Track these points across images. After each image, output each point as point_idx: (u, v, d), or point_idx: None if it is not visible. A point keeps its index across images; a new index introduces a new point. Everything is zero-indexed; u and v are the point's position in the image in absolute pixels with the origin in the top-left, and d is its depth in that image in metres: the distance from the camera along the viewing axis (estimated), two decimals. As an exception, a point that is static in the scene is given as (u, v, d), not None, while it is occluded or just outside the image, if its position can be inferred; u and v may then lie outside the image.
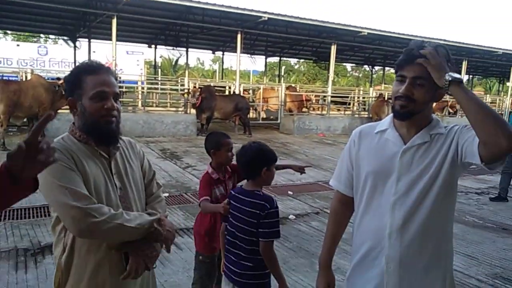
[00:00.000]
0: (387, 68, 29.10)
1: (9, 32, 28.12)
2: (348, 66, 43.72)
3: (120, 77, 16.77)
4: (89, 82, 1.56)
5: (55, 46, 27.72)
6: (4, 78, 12.09)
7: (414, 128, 1.57)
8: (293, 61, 41.79)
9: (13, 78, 13.01)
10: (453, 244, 1.65)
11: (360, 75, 48.01)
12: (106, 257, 1.57)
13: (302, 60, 27.42)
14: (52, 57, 24.09)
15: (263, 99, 16.23)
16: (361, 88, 24.68)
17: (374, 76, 39.27)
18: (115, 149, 1.66)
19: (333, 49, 16.29)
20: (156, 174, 1.93)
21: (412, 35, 15.92)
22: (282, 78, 27.99)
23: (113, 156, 1.65)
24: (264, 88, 17.15)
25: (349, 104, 20.06)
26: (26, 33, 26.02)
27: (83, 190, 1.47)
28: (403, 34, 16.20)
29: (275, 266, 2.08)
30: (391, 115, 1.65)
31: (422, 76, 1.47)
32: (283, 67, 32.30)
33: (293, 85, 21.29)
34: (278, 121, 15.50)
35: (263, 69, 27.20)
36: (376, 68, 31.44)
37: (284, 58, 29.21)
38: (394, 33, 16.09)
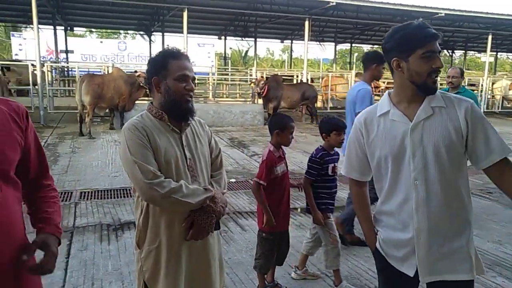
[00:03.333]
0: (470, 52, 26.93)
1: (93, 30, 30.49)
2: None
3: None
4: (174, 65, 1.81)
5: (133, 41, 29.56)
6: (90, 72, 13.17)
7: (414, 102, 1.65)
8: (366, 47, 40.34)
9: (97, 72, 14.14)
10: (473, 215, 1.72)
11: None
12: (175, 218, 1.80)
13: (375, 46, 26.42)
14: (131, 52, 25.75)
15: (329, 87, 15.88)
16: (440, 75, 23.20)
17: (457, 61, 36.61)
18: (186, 125, 1.88)
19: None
20: (224, 161, 2.11)
21: (496, 14, 14.64)
22: (354, 65, 27.18)
23: (183, 131, 1.87)
24: (331, 75, 16.79)
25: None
26: (108, 30, 28.03)
27: (150, 165, 1.71)
28: (488, 13, 14.94)
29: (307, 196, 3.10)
30: (385, 95, 1.74)
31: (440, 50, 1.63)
32: (355, 54, 31.31)
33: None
34: (347, 110, 15.15)
35: (333, 56, 26.65)
36: (457, 53, 29.32)
37: (355, 45, 28.35)
38: (476, 12, 14.90)
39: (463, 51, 27.32)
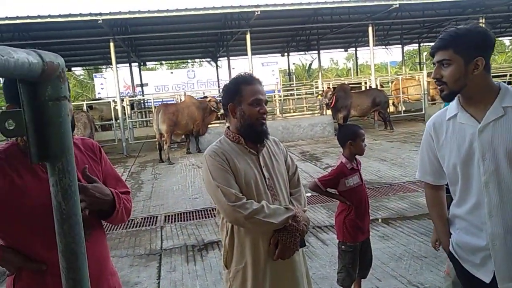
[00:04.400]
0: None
1: (163, 62, 32.48)
2: (506, 40, 38.00)
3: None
4: (248, 90, 1.90)
5: (200, 68, 30.90)
6: (164, 102, 14.01)
7: (483, 104, 1.59)
8: (434, 45, 38.16)
9: (170, 101, 14.99)
10: None
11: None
12: (260, 238, 1.85)
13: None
14: (199, 79, 26.91)
15: (400, 90, 15.24)
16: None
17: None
18: (262, 146, 1.95)
19: (483, 24, 14.47)
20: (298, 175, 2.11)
21: None
22: (424, 65, 25.90)
23: (260, 152, 1.95)
24: (401, 78, 16.11)
25: (510, 83, 17.49)
26: (177, 61, 29.65)
27: (232, 188, 1.79)
28: None
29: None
30: (456, 98, 1.67)
31: (444, 58, 1.58)
32: (424, 54, 29.84)
33: (436, 71, 19.53)
34: (423, 112, 14.39)
35: (401, 59, 25.64)
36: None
37: (424, 44, 27.01)
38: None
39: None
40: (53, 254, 0.83)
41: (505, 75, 17.68)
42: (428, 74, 15.09)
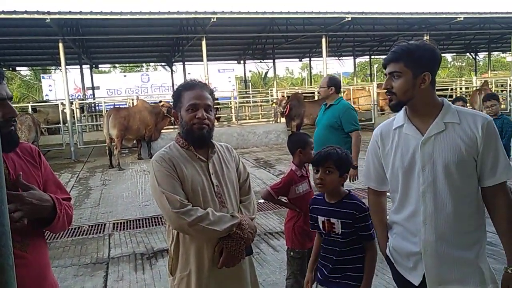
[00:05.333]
0: (494, 53, 26.30)
1: (117, 65, 31.61)
2: (448, 56, 40.50)
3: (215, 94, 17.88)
4: (186, 96, 1.88)
5: (155, 72, 30.42)
6: (116, 106, 13.60)
7: (427, 117, 1.69)
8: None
9: (123, 105, 14.59)
10: (486, 229, 1.72)
11: (463, 64, 44.11)
12: (204, 245, 1.83)
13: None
14: (153, 83, 26.44)
15: (351, 100, 15.78)
16: (464, 79, 22.70)
17: (481, 63, 35.69)
18: (212, 153, 1.93)
19: (426, 39, 15.33)
20: (252, 181, 2.13)
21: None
22: (375, 77, 27.00)
23: (210, 159, 1.92)
24: (353, 88, 16.71)
25: (450, 96, 18.61)
26: (131, 64, 28.96)
27: (177, 195, 1.77)
28: (508, 13, 14.66)
29: None
30: (403, 109, 1.76)
31: (396, 70, 1.66)
32: (375, 66, 31.15)
33: (385, 83, 20.40)
34: (372, 122, 14.99)
35: (353, 70, 26.58)
36: (481, 55, 28.70)
37: (375, 56, 28.21)
38: (497, 13, 14.64)
39: (487, 53, 26.70)
40: None
41: (447, 89, 18.84)
42: (378, 86, 15.79)
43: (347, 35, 17.84)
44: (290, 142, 3.02)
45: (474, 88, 16.70)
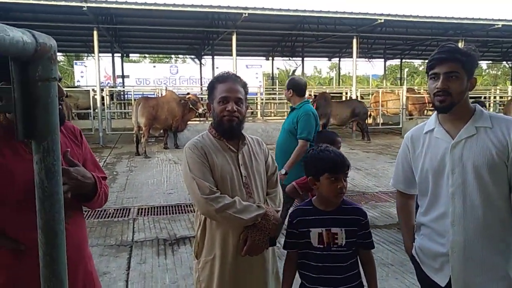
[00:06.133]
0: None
1: (147, 56, 32.12)
2: (483, 64, 39.31)
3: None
4: (218, 88, 1.94)
5: (183, 65, 30.71)
6: (144, 95, 13.86)
7: (459, 122, 1.71)
8: (417, 62, 39.04)
9: (151, 95, 14.85)
10: None
11: (499, 72, 42.72)
12: (229, 232, 1.88)
13: (426, 61, 25.62)
14: (182, 75, 26.74)
15: (379, 103, 15.57)
16: (498, 87, 22.02)
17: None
18: (242, 145, 1.99)
19: (461, 45, 14.89)
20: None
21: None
22: (405, 81, 26.50)
23: (240, 150, 1.97)
24: (382, 91, 16.46)
25: (484, 105, 18.08)
26: (161, 55, 29.37)
27: (207, 182, 1.83)
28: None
29: None
30: (435, 113, 1.80)
31: (454, 70, 1.64)
32: (406, 70, 30.56)
33: (416, 87, 20.04)
34: (400, 126, 14.74)
35: (383, 72, 26.17)
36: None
37: (406, 60, 27.67)
38: (536, 21, 14.13)
39: (524, 62, 25.83)
40: (33, 235, 0.83)
41: (480, 97, 18.32)
42: (408, 90, 15.52)
43: (378, 37, 17.57)
44: (319, 138, 3.04)
45: (509, 98, 16.21)
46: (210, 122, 2.11)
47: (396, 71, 35.79)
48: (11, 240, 1.39)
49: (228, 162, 1.92)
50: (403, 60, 26.49)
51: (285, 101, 18.52)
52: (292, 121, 3.83)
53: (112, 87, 17.83)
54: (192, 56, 24.39)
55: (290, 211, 2.25)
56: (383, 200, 6.12)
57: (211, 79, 2.08)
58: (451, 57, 1.65)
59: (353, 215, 1.85)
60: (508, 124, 1.64)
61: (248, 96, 2.06)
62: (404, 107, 14.65)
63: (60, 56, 31.97)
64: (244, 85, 2.00)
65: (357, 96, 14.88)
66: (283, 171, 3.60)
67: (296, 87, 3.93)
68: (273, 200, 2.02)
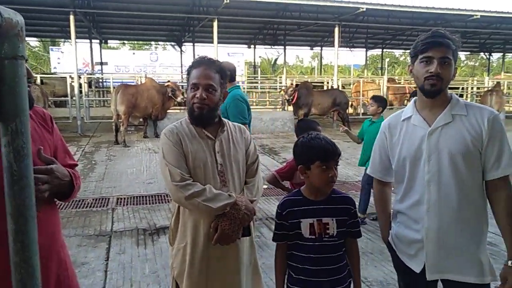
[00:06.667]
0: (509, 54, 25.92)
1: (126, 42, 31.43)
2: (462, 55, 39.91)
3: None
4: (192, 74, 1.90)
5: (164, 52, 30.19)
6: (123, 83, 13.56)
7: (436, 108, 1.72)
8: (397, 52, 39.40)
9: (131, 83, 14.54)
10: (488, 221, 1.74)
11: (476, 63, 43.53)
12: (201, 220, 1.87)
13: (407, 51, 25.89)
14: (162, 63, 26.28)
15: (360, 93, 15.65)
16: (476, 79, 22.44)
17: (495, 64, 35.22)
18: (221, 132, 1.94)
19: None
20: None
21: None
22: (386, 71, 26.75)
23: (218, 137, 1.93)
24: (363, 81, 16.55)
25: (461, 96, 18.42)
26: (140, 42, 28.78)
27: (179, 169, 1.81)
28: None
29: None
30: (412, 101, 1.83)
31: (447, 56, 1.65)
32: (387, 60, 30.82)
33: (396, 77, 20.23)
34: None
35: (364, 62, 26.34)
36: (495, 55, 28.33)
37: (387, 50, 27.88)
38: (513, 13, 14.39)
39: (501, 53, 26.34)
40: (2, 223, 0.79)
41: (458, 88, 18.66)
42: (388, 80, 15.67)
43: (360, 26, 17.61)
44: (298, 127, 3.02)
45: (486, 89, 16.54)
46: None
47: (377, 61, 36.14)
48: None
49: (204, 149, 1.89)
50: (384, 50, 26.72)
51: (267, 89, 18.50)
52: (223, 107, 3.64)
53: (90, 74, 17.40)
54: (173, 43, 23.98)
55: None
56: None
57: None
58: (445, 43, 1.65)
59: (343, 204, 1.82)
60: (483, 112, 1.66)
61: None
62: (385, 97, 14.77)
63: (35, 42, 31.05)
64: (220, 70, 1.93)
65: (338, 86, 14.91)
66: None
67: (224, 72, 3.79)
68: (250, 190, 1.97)
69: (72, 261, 3.52)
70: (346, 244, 1.84)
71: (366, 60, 25.14)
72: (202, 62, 1.91)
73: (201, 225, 1.85)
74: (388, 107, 14.90)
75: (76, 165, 1.70)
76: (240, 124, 2.08)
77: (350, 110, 15.68)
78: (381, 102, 4.87)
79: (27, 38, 24.65)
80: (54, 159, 1.44)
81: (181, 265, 1.90)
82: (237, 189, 1.92)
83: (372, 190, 2.27)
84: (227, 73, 2.01)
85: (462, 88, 18.21)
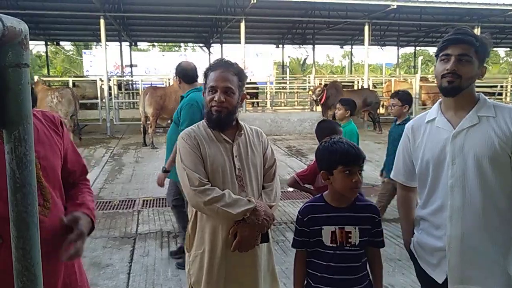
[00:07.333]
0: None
1: (155, 44, 31.96)
2: (501, 51, 38.28)
3: (250, 78, 17.86)
4: (209, 77, 1.88)
5: (193, 53, 30.44)
6: (152, 85, 13.70)
7: (461, 111, 1.63)
8: (431, 50, 38.09)
9: (160, 85, 14.68)
10: None
11: (517, 60, 41.66)
12: (219, 226, 1.81)
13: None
14: (191, 64, 26.45)
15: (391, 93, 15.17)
16: (515, 76, 21.39)
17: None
18: (239, 135, 1.89)
19: (477, 32, 14.47)
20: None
21: None
22: (419, 70, 25.95)
23: (236, 141, 1.90)
24: (394, 80, 16.08)
25: (500, 94, 17.56)
26: (170, 44, 29.16)
27: (198, 173, 1.78)
28: None
29: None
30: (437, 102, 1.75)
31: (467, 53, 1.57)
32: (420, 58, 29.86)
33: (430, 76, 19.54)
34: (413, 115, 14.31)
35: (396, 61, 25.66)
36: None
37: (420, 48, 27.07)
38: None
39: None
40: (9, 227, 0.79)
41: (496, 86, 17.81)
42: (421, 79, 15.15)
43: (391, 24, 17.10)
44: (318, 128, 2.93)
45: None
46: None
47: (410, 59, 35.14)
48: None
49: (222, 153, 1.85)
50: (417, 48, 25.93)
51: (296, 90, 18.31)
52: (178, 111, 3.43)
53: (120, 76, 17.72)
54: (201, 45, 24.14)
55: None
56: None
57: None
58: (465, 39, 1.59)
59: (367, 212, 1.76)
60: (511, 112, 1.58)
61: (258, 85, 1.90)
62: (417, 96, 14.28)
63: (70, 46, 32.04)
64: (239, 72, 1.89)
65: (369, 85, 14.54)
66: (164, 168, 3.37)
67: (183, 73, 3.57)
68: (268, 195, 1.92)
69: (97, 262, 3.58)
70: (368, 254, 1.77)
71: (398, 58, 24.47)
72: (219, 65, 1.88)
73: (219, 231, 1.81)
74: (421, 106, 14.50)
75: (87, 171, 1.69)
76: (257, 128, 2.03)
77: (381, 110, 15.25)
78: (349, 105, 4.27)
79: (62, 43, 25.59)
80: (78, 216, 1.45)
81: (199, 272, 1.86)
82: (255, 194, 1.87)
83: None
84: (246, 75, 1.96)
85: (501, 87, 17.33)
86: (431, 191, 1.70)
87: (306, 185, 2.89)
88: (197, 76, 3.57)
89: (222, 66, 1.88)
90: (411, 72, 29.04)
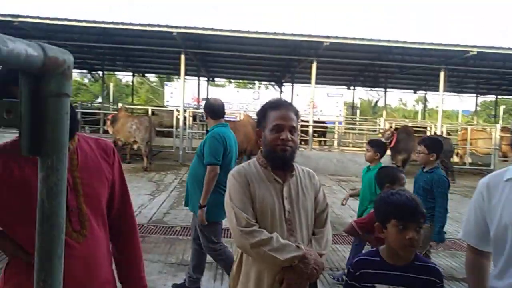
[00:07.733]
0: None
1: (232, 80, 33.42)
2: None
3: (318, 117, 17.94)
4: (271, 116, 1.85)
5: (265, 91, 31.36)
6: (226, 119, 14.24)
7: None
8: (516, 98, 35.46)
9: (232, 118, 15.29)
10: None
11: None
12: (265, 271, 1.74)
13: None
14: (263, 101, 26.76)
15: (467, 141, 14.31)
16: None
17: None
18: (290, 176, 1.84)
19: None
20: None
21: None
22: (500, 119, 24.27)
23: (286, 182, 1.84)
24: (471, 128, 15.19)
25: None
26: (244, 81, 30.33)
27: (246, 213, 1.73)
28: None
29: None
30: None
31: None
32: (502, 107, 27.98)
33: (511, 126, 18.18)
34: (491, 167, 13.39)
35: (474, 108, 24.29)
36: None
37: (502, 96, 25.38)
38: None
39: None
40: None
41: None
42: (502, 129, 14.14)
43: (470, 71, 16.34)
44: (378, 175, 2.86)
45: None
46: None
47: (491, 107, 33.00)
48: (25, 252, 1.39)
49: (271, 194, 1.79)
50: (499, 96, 24.36)
51: (365, 131, 17.99)
52: (201, 144, 3.66)
53: (196, 108, 18.72)
54: (273, 83, 24.84)
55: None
56: (464, 248, 5.48)
57: (262, 105, 2.00)
58: None
59: (426, 275, 1.60)
60: None
61: (327, 124, 1.95)
62: (497, 147, 13.34)
63: (153, 77, 34.64)
64: (296, 113, 1.90)
65: (442, 132, 13.89)
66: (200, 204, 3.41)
67: (210, 108, 3.78)
68: (318, 242, 1.84)
69: (152, 286, 3.68)
70: None
71: (476, 106, 23.14)
72: (281, 104, 1.89)
73: (265, 277, 1.73)
74: (501, 158, 13.49)
75: (129, 198, 1.70)
76: (309, 169, 1.99)
77: (456, 159, 14.40)
78: (378, 147, 4.07)
79: (147, 74, 27.71)
80: None
81: None
82: (304, 240, 1.80)
83: None
84: (299, 116, 1.97)
85: None
86: (510, 260, 1.51)
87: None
88: (223, 113, 3.84)
89: (284, 105, 1.88)
90: (491, 121, 27.21)
